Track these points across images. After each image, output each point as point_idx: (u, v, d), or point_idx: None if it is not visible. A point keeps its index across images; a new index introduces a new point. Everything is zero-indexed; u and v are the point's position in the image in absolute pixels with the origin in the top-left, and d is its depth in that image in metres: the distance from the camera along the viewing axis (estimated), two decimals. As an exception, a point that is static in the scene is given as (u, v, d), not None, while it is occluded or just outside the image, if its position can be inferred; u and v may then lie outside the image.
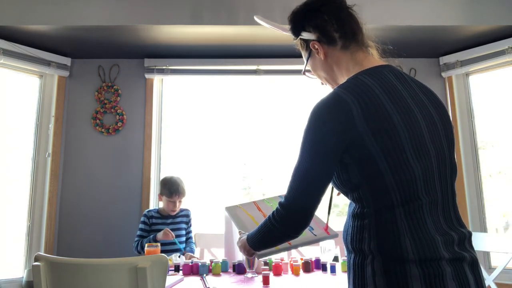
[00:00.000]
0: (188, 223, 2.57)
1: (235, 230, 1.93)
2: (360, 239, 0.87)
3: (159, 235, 2.31)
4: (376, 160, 0.85)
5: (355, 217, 0.91)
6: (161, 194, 2.52)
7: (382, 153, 0.84)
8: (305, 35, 1.08)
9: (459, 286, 0.80)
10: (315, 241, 1.32)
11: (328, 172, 0.90)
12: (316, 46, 1.06)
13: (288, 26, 1.14)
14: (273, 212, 0.98)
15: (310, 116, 0.92)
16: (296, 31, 1.11)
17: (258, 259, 1.41)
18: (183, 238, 2.51)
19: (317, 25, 1.05)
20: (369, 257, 0.85)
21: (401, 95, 0.91)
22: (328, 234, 1.36)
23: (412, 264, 0.80)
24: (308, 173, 0.90)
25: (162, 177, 3.03)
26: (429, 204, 0.85)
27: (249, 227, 1.37)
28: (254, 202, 1.58)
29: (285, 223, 0.95)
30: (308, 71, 1.16)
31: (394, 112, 0.87)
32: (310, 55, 1.10)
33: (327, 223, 1.28)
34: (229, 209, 1.52)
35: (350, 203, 0.97)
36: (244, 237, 1.14)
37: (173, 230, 2.43)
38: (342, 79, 1.05)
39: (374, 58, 1.04)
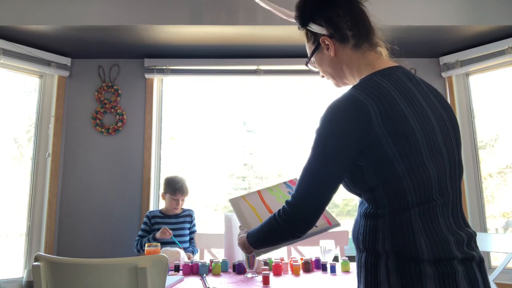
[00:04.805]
0: (191, 222, 2.58)
1: (235, 231, 1.93)
2: (374, 239, 0.87)
3: (157, 234, 2.34)
4: (394, 163, 0.84)
5: (368, 217, 0.90)
6: (165, 193, 2.55)
7: (399, 156, 0.84)
8: (315, 28, 1.01)
9: (470, 285, 0.81)
10: (316, 233, 1.28)
11: (340, 173, 0.89)
12: (327, 42, 1.00)
13: (293, 13, 1.06)
14: (279, 210, 0.95)
15: (325, 116, 0.89)
16: (303, 21, 1.03)
17: (256, 256, 1.38)
18: (187, 238, 2.52)
19: (331, 20, 0.98)
20: (383, 256, 0.85)
21: (415, 97, 0.90)
22: (330, 224, 1.32)
23: (426, 264, 0.80)
24: (319, 173, 0.88)
25: (162, 177, 3.04)
26: (441, 205, 0.86)
27: (250, 220, 1.34)
28: (258, 191, 1.55)
29: (291, 222, 0.92)
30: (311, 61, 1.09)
31: (411, 115, 0.86)
32: (317, 48, 1.03)
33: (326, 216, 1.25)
34: (233, 202, 1.50)
35: (362, 203, 0.95)
36: (244, 234, 1.12)
37: (176, 229, 2.43)
38: (352, 79, 1.02)
39: (385, 59, 1.01)
